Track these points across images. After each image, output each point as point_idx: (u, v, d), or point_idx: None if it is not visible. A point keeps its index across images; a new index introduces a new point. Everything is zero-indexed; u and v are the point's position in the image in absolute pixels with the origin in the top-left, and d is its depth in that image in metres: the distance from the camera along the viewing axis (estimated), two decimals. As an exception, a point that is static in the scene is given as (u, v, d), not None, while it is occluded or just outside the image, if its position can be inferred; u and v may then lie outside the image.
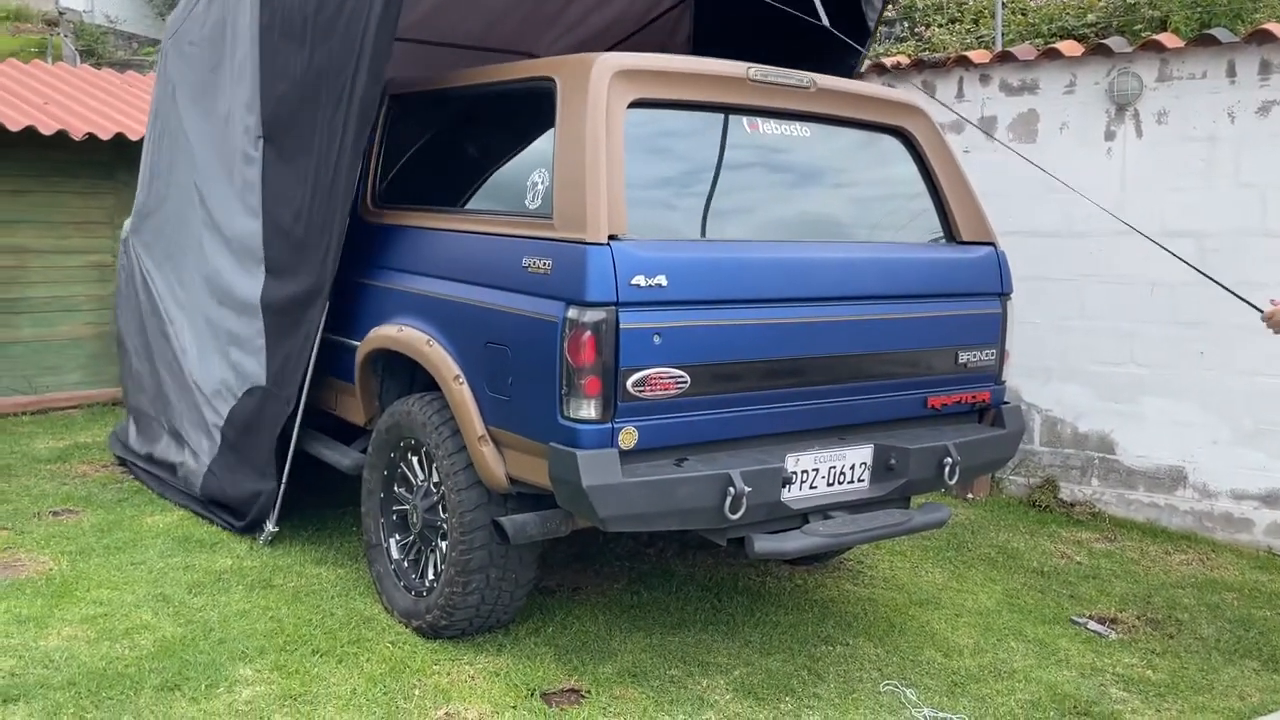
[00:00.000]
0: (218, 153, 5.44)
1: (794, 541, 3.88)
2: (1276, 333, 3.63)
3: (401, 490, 4.48)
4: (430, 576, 4.31)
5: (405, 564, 4.48)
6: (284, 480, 5.07)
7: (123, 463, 6.63)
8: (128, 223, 6.59)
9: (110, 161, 8.34)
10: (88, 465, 6.73)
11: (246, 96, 5.13)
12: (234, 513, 5.35)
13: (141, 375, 6.31)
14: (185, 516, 5.64)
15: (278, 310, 5.00)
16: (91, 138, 7.88)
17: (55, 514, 5.68)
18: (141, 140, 7.00)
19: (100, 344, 8.55)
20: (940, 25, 10.01)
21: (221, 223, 5.41)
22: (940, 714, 3.87)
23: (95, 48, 18.42)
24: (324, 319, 4.75)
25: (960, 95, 6.73)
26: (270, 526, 5.16)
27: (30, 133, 7.67)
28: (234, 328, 5.32)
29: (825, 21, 4.62)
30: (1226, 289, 3.94)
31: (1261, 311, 3.67)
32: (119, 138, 8.02)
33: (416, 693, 3.81)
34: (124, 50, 19.51)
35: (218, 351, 5.48)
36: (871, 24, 5.33)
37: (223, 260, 5.40)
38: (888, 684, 4.09)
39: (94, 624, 4.26)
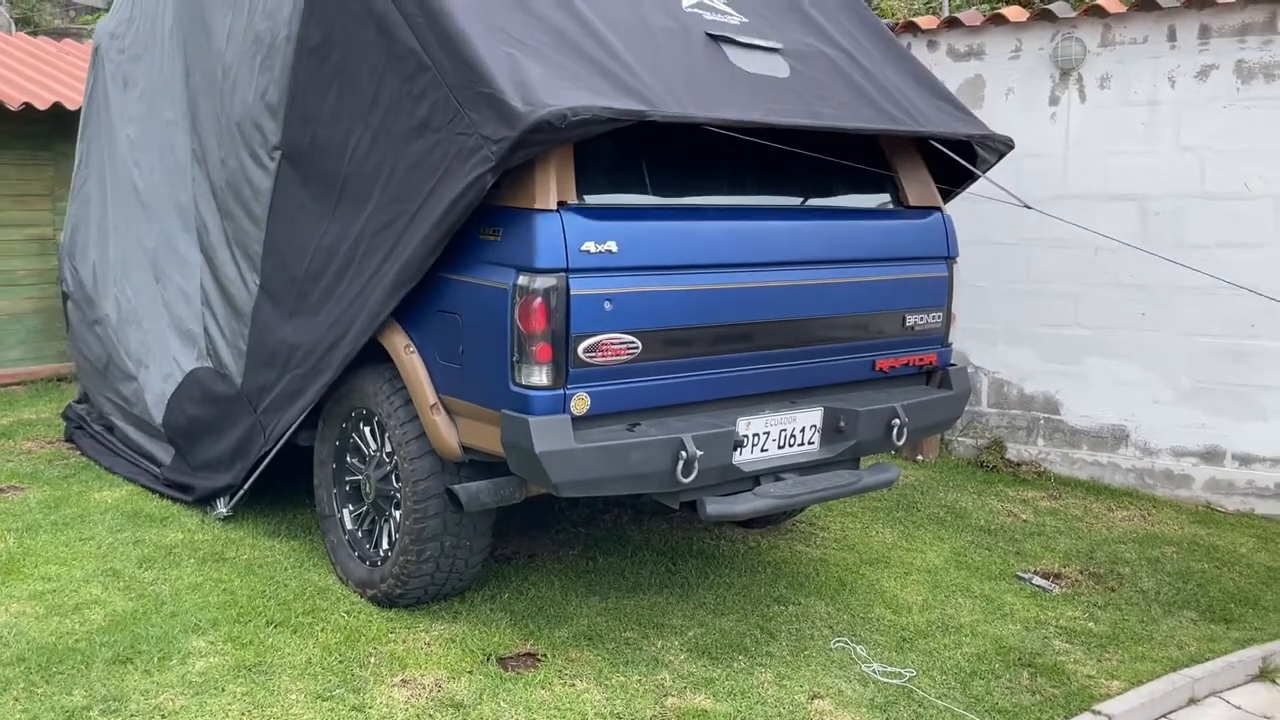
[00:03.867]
0: (215, 98, 5.02)
1: (745, 504, 3.94)
2: None
3: (354, 461, 4.47)
4: (384, 546, 4.32)
5: (359, 534, 4.47)
6: (246, 483, 4.94)
7: (69, 439, 6.54)
8: (101, 23, 6.35)
9: (48, 133, 8.15)
10: (32, 442, 6.62)
11: (272, 95, 4.59)
12: (187, 466, 5.35)
13: (102, 220, 6.14)
14: (134, 491, 5.58)
15: (268, 348, 4.72)
16: (28, 108, 7.69)
17: (0, 491, 5.59)
18: (79, 110, 6.85)
19: (42, 319, 8.39)
20: (889, -9, 10.08)
21: (215, 185, 5.09)
22: (889, 669, 3.95)
23: (31, 15, 17.90)
24: (317, 399, 4.44)
25: (908, 61, 6.76)
26: (223, 509, 5.12)
27: (-36, 103, 7.47)
28: (214, 299, 5.14)
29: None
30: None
31: None
32: (57, 107, 7.82)
33: (372, 660, 3.82)
34: (61, 18, 18.99)
35: (188, 297, 5.33)
36: (978, 171, 4.82)
37: (213, 220, 5.11)
38: (838, 641, 4.16)
39: (43, 600, 4.21)
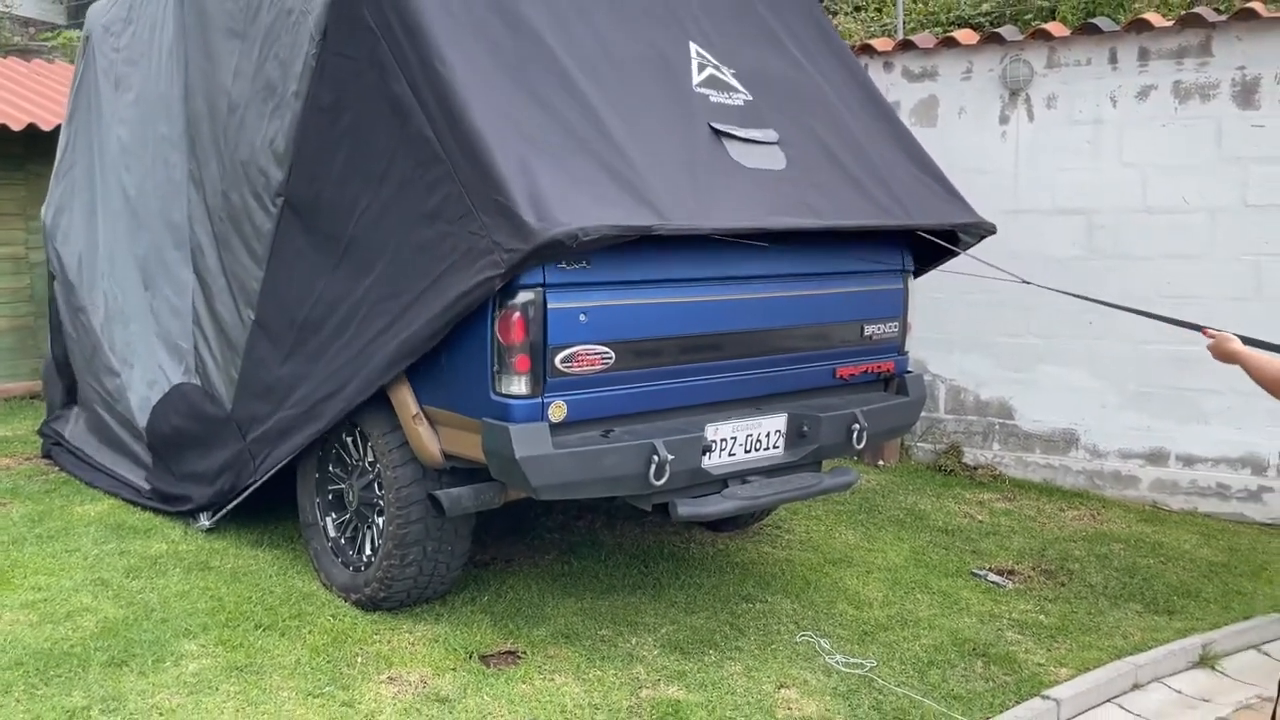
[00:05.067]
0: (220, 130, 5.04)
1: (714, 505, 4.15)
2: (1219, 359, 3.12)
3: (336, 470, 4.63)
4: (368, 552, 4.48)
5: (342, 541, 4.63)
6: (232, 504, 5.07)
7: (47, 455, 6.63)
8: (94, 11, 6.33)
9: (22, 153, 8.25)
10: (9, 459, 6.71)
11: (279, 144, 4.61)
12: (171, 475, 5.50)
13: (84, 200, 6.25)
14: (116, 505, 5.70)
15: (263, 383, 4.81)
16: (3, 129, 7.78)
17: (-17, 506, 5.69)
18: (55, 129, 6.96)
19: (16, 337, 8.47)
20: (846, 13, 10.37)
21: (213, 213, 5.12)
22: (851, 660, 4.17)
23: (-9, 35, 17.83)
24: (308, 443, 4.57)
25: (865, 81, 7.04)
26: (206, 522, 5.26)
27: (-62, 124, 7.55)
28: (206, 323, 5.23)
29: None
30: (1168, 320, 3.82)
31: (1201, 329, 3.22)
32: (31, 128, 7.93)
33: (359, 660, 3.99)
34: (20, 36, 18.92)
35: (179, 313, 5.43)
36: (959, 250, 5.01)
37: (209, 247, 5.17)
38: (803, 635, 4.38)
39: (34, 609, 4.34)
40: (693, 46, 4.51)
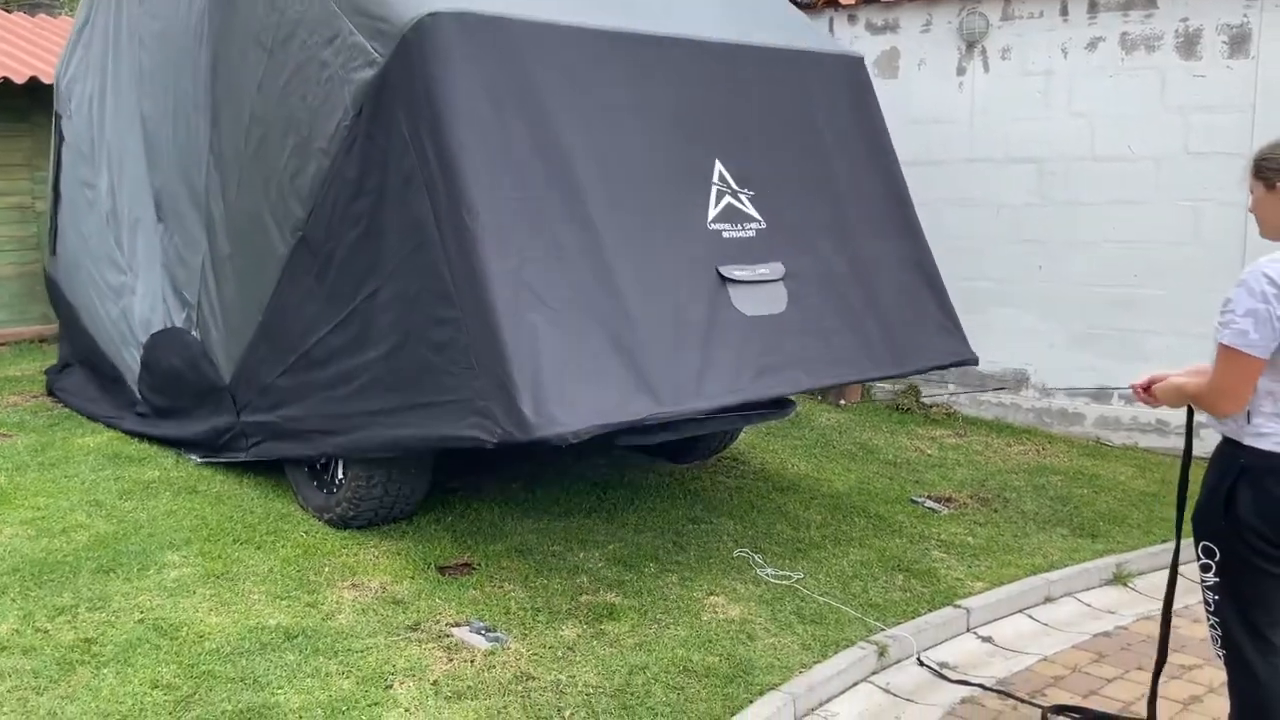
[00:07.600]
0: (240, 134, 4.97)
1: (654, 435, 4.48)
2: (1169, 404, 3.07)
3: (313, 402, 4.97)
4: (340, 476, 4.84)
5: (318, 466, 5.00)
6: (218, 459, 5.41)
7: (52, 393, 7.02)
8: None
9: (25, 106, 8.56)
10: (18, 396, 7.10)
11: (301, 184, 4.52)
12: (162, 394, 5.83)
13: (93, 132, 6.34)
14: (115, 437, 6.08)
15: (261, 380, 4.94)
16: (6, 82, 8.10)
17: (-10, 438, 6.09)
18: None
19: (24, 284, 8.84)
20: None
21: (228, 201, 5.13)
22: (781, 572, 4.52)
23: (1, -11, 18.10)
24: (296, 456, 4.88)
25: (831, 34, 7.26)
26: (197, 458, 5.61)
27: (-57, 78, 7.87)
28: (214, 294, 5.32)
29: None
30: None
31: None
32: (33, 81, 8.23)
33: (326, 569, 4.36)
34: (32, -10, 19.18)
35: (188, 266, 5.53)
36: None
37: (221, 227, 5.19)
38: (740, 551, 4.73)
39: (33, 525, 4.73)
40: (718, 166, 4.51)
